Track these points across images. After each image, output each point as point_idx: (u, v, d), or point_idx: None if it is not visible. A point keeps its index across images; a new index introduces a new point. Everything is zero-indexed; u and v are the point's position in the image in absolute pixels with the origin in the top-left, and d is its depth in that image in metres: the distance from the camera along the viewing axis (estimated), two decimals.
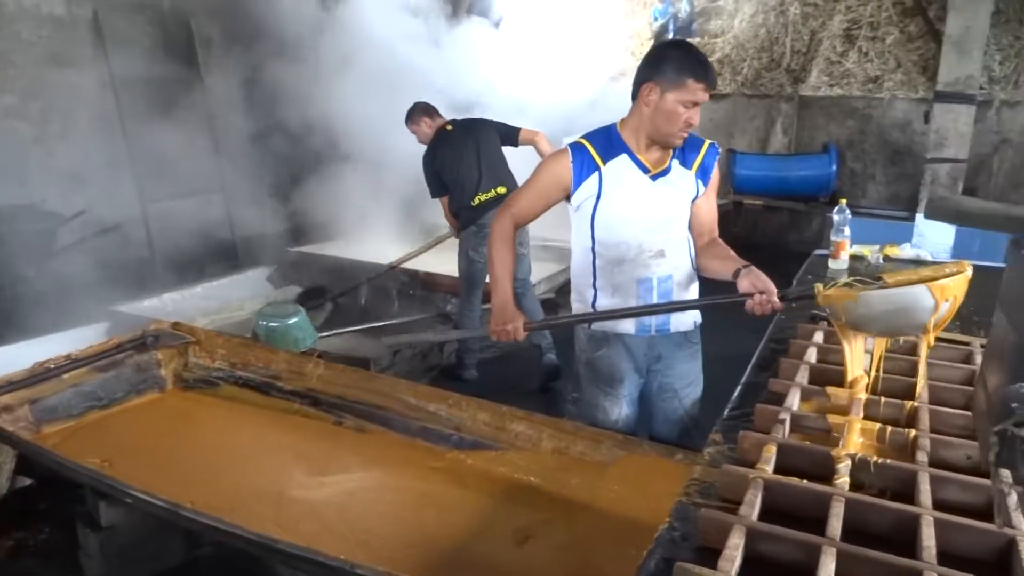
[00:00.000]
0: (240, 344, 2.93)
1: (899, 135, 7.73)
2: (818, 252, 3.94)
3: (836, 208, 3.66)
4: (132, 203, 5.95)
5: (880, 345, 1.98)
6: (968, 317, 2.90)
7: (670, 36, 9.94)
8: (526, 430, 2.31)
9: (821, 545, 1.29)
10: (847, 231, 3.58)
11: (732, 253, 2.27)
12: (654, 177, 2.17)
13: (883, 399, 1.93)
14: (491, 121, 4.39)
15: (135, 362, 2.81)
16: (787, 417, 1.81)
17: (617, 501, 2.06)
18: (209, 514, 1.87)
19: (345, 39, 6.09)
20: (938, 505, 1.46)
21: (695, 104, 2.03)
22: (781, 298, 2.01)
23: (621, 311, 2.20)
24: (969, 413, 1.88)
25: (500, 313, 2.17)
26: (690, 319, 2.35)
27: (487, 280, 4.10)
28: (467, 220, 4.25)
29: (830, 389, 1.99)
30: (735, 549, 1.29)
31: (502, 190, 4.22)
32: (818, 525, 1.43)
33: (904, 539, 1.39)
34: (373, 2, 6.05)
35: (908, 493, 1.55)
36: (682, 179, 2.21)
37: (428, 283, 4.94)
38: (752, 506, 1.42)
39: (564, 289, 5.58)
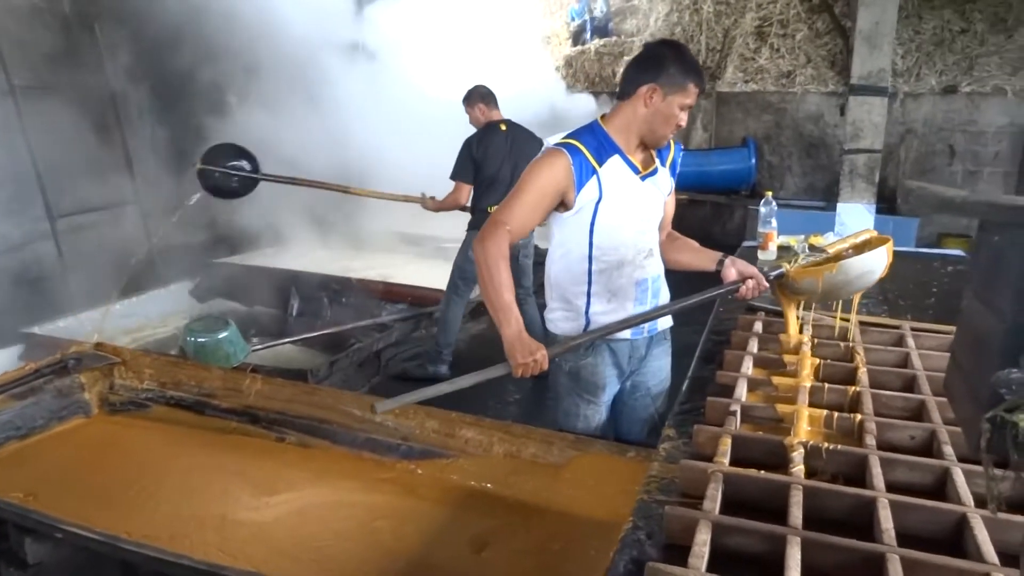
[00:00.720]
0: (169, 363, 2.80)
1: (813, 128, 8.03)
2: (747, 244, 4.03)
3: (763, 201, 3.76)
4: (39, 218, 5.63)
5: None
6: (894, 301, 3.02)
7: (587, 36, 10.08)
8: (476, 436, 2.27)
9: (786, 535, 1.30)
10: (774, 222, 3.69)
11: (698, 245, 2.34)
12: (643, 178, 2.14)
13: (827, 385, 1.98)
14: (539, 139, 4.38)
15: (56, 387, 2.64)
16: (738, 409, 1.83)
17: (573, 502, 2.05)
18: (148, 544, 1.77)
19: (263, 44, 5.93)
20: (889, 486, 1.50)
21: (688, 107, 2.04)
22: (764, 276, 2.12)
23: (640, 316, 2.15)
24: (908, 395, 1.95)
25: (519, 345, 1.91)
26: (670, 318, 2.36)
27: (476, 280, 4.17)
28: (478, 222, 4.24)
29: (776, 378, 2.03)
30: (703, 545, 1.29)
31: None
32: (779, 514, 1.45)
33: (862, 522, 1.42)
34: (293, 7, 5.91)
35: (860, 476, 1.59)
36: (663, 176, 2.22)
37: (362, 289, 4.85)
38: (714, 500, 1.43)
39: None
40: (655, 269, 2.25)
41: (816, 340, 2.34)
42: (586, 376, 2.28)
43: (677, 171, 2.28)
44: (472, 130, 4.40)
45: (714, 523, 1.34)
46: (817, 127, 7.98)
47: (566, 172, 2.02)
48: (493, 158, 4.22)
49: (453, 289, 4.46)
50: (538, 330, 4.82)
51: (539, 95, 7.40)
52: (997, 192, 7.17)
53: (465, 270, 4.41)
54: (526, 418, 3.68)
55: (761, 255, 3.65)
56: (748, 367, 2.13)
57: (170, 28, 5.73)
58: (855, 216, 5.04)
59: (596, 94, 9.22)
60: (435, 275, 5.18)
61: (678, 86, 1.99)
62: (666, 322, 2.37)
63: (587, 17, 10.26)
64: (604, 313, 2.19)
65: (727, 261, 2.17)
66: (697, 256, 2.27)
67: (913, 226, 6.53)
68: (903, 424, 1.77)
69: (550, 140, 2.13)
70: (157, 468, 2.39)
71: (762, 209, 3.70)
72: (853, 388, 1.97)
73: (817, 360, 2.17)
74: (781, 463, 1.63)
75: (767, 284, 2.13)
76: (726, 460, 1.59)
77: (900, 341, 2.38)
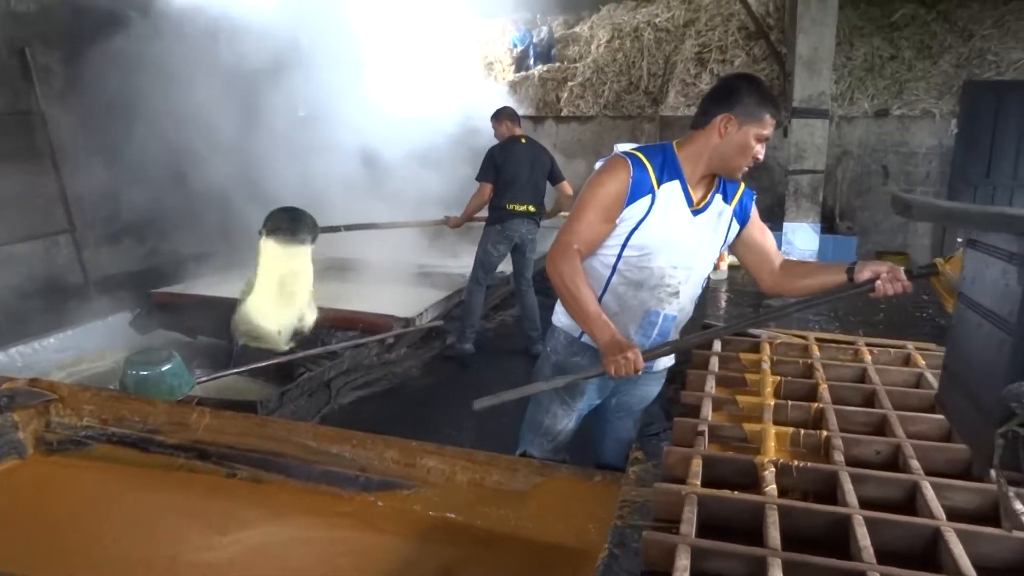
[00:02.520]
0: (111, 398, 2.66)
1: None
2: None
3: None
4: None
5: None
6: (845, 318, 3.08)
7: (531, 62, 10.19)
8: (438, 464, 2.21)
9: (766, 556, 1.28)
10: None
11: (820, 264, 2.32)
12: (695, 212, 2.08)
13: (790, 403, 1.99)
14: (550, 154, 5.24)
15: None
16: (705, 429, 1.82)
17: (539, 529, 2.00)
18: None
19: (201, 66, 5.81)
20: (861, 502, 1.50)
21: (766, 139, 2.00)
22: (907, 274, 1.94)
23: (752, 319, 2.23)
24: (870, 409, 1.97)
25: (614, 347, 1.92)
26: (671, 360, 2.31)
27: (496, 269, 5.16)
28: (496, 219, 5.00)
29: (740, 397, 2.03)
30: (684, 571, 1.26)
31: (532, 208, 5.01)
32: (755, 535, 1.44)
33: (837, 539, 1.42)
34: (231, 31, 5.81)
35: (830, 493, 1.59)
36: (720, 214, 2.12)
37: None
38: (691, 523, 1.40)
39: (452, 315, 5.52)
40: (673, 310, 2.14)
41: (776, 358, 2.36)
42: (570, 374, 2.19)
43: (749, 213, 2.18)
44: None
45: (693, 547, 1.31)
46: None
47: (625, 182, 1.99)
48: (514, 162, 4.95)
49: (474, 278, 5.12)
50: (535, 318, 4.95)
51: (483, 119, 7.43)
52: (1003, 204, 7.43)
53: (484, 262, 5.06)
54: (483, 443, 3.64)
55: (713, 275, 3.69)
56: (711, 386, 2.13)
57: (105, 51, 5.57)
58: (801, 235, 5.16)
59: (541, 119, 9.29)
60: (386, 301, 5.10)
61: (753, 116, 1.95)
62: (666, 361, 2.29)
63: (530, 43, 10.36)
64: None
65: (857, 265, 2.00)
66: (825, 273, 2.10)
67: (853, 244, 6.72)
68: (868, 439, 1.78)
69: (619, 147, 2.11)
70: (100, 510, 2.26)
71: None
72: (816, 405, 1.98)
73: (778, 377, 2.18)
74: (753, 482, 1.62)
75: (907, 281, 1.93)
76: (699, 481, 1.57)
77: (856, 356, 2.41)
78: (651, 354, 2.02)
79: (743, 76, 2.06)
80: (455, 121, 7.29)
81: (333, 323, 4.66)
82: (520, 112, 8.78)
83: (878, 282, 1.92)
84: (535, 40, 10.37)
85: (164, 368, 3.29)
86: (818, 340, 2.56)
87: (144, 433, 2.54)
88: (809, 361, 2.32)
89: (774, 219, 7.74)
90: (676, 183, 2.03)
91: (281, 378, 4.07)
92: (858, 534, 1.36)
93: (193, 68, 5.85)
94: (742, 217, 2.17)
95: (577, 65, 9.71)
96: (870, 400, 2.07)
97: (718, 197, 2.10)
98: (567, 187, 5.22)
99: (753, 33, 8.26)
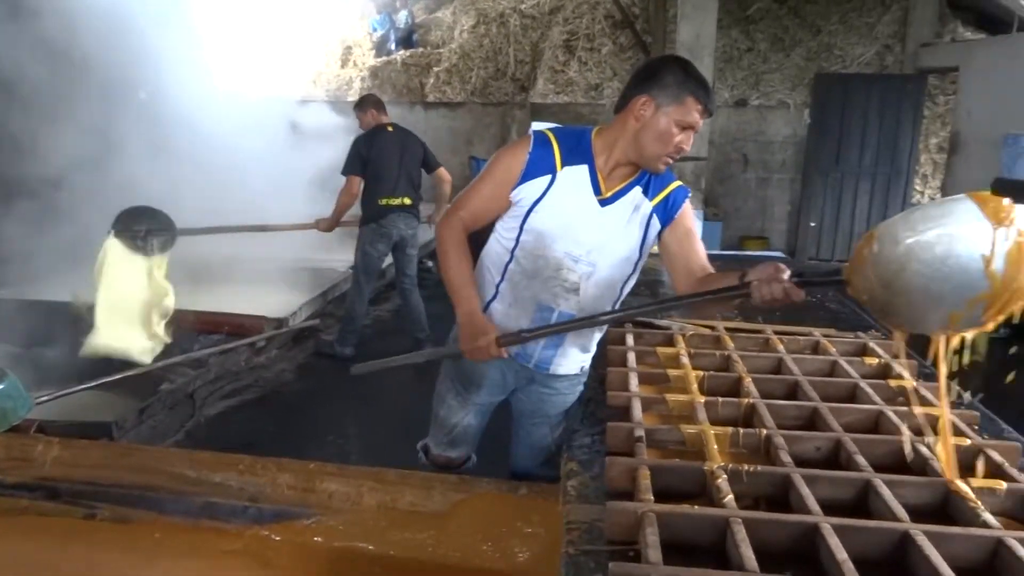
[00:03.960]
0: None
1: None
2: None
3: None
4: None
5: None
6: (742, 304, 3.06)
7: (392, 47, 9.88)
8: (341, 487, 1.97)
9: None
10: None
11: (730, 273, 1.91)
12: (603, 202, 1.90)
13: (720, 400, 1.90)
14: (421, 140, 4.92)
15: None
16: (643, 434, 1.69)
17: (463, 553, 1.81)
18: None
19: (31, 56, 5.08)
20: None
21: (690, 127, 1.80)
22: (799, 280, 1.58)
23: (610, 315, 1.97)
24: (799, 403, 1.92)
25: (468, 327, 1.85)
26: (578, 365, 2.12)
27: (379, 271, 4.94)
28: (370, 217, 4.67)
29: (669, 396, 1.92)
30: None
31: (408, 201, 4.70)
32: (719, 551, 1.33)
33: (805, 549, 1.32)
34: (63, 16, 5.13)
35: (782, 497, 1.50)
36: (635, 209, 1.93)
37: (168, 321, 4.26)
38: (656, 548, 1.26)
39: (326, 312, 5.19)
40: (570, 308, 1.96)
41: (692, 351, 2.28)
42: (466, 366, 2.11)
43: (676, 213, 1.95)
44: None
45: None
46: None
47: (521, 160, 1.88)
48: (381, 155, 4.63)
49: (355, 285, 4.84)
50: (420, 319, 4.68)
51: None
52: None
53: (365, 266, 4.77)
54: (372, 452, 3.39)
55: None
56: (635, 385, 2.01)
57: None
58: None
59: (409, 105, 9.01)
60: (254, 300, 4.71)
61: (674, 99, 1.77)
62: (569, 368, 2.11)
63: (390, 28, 10.04)
64: (502, 315, 2.01)
65: (752, 270, 1.68)
66: (724, 279, 1.82)
67: (718, 230, 6.94)
68: (808, 435, 1.72)
69: (536, 125, 1.97)
70: None
71: None
72: (745, 400, 1.90)
73: (700, 372, 2.09)
74: (703, 491, 1.51)
75: (793, 286, 1.57)
76: (651, 496, 1.43)
77: (768, 345, 2.38)
78: (509, 340, 1.87)
79: (669, 56, 1.93)
80: (317, 108, 6.89)
81: (195, 327, 4.22)
82: (383, 99, 8.49)
83: (754, 285, 1.62)
84: (396, 25, 10.07)
85: None
86: (728, 330, 2.51)
87: None
88: (726, 353, 2.25)
89: None
90: (583, 167, 1.89)
91: (139, 392, 3.62)
92: (831, 545, 1.26)
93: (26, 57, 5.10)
94: (664, 216, 1.95)
95: (441, 51, 9.51)
96: (794, 392, 2.02)
97: (636, 190, 1.93)
98: (444, 173, 4.93)
99: (619, 22, 8.36)
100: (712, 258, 3.67)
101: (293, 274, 5.41)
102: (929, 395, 1.96)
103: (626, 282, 2.04)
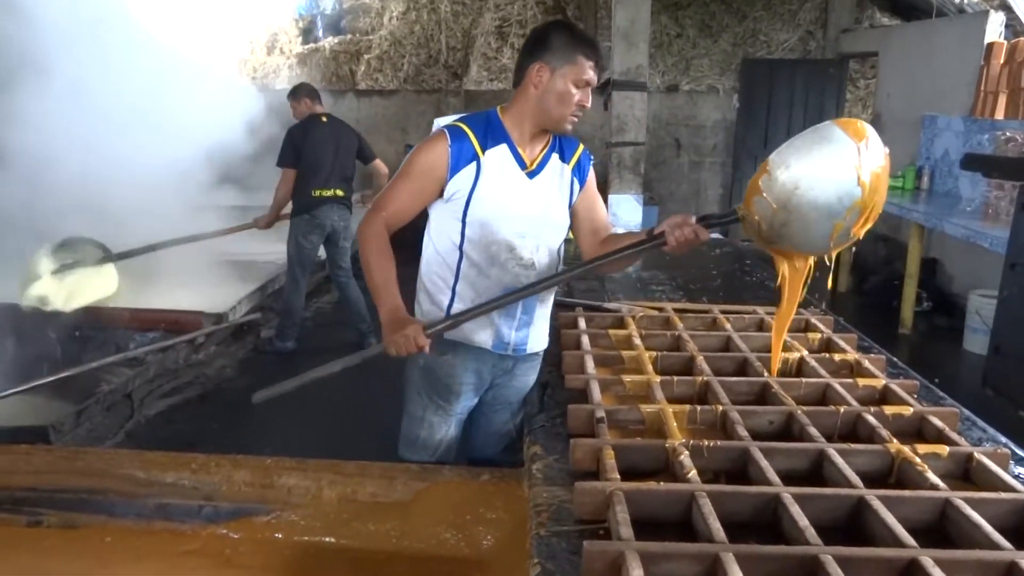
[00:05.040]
0: None
1: None
2: None
3: None
4: None
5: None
6: (686, 286, 3.14)
7: (319, 33, 9.67)
8: (300, 482, 1.93)
9: (718, 552, 1.19)
10: None
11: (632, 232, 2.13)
12: (531, 174, 1.95)
13: (675, 379, 1.95)
14: (356, 131, 4.88)
15: None
16: (604, 415, 1.72)
17: (428, 543, 1.81)
18: None
19: None
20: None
21: (586, 84, 1.86)
22: (703, 223, 1.72)
23: (520, 292, 1.90)
24: (750, 378, 1.98)
25: (391, 323, 1.81)
26: (546, 339, 2.14)
27: (314, 262, 4.84)
28: (302, 208, 4.60)
29: (625, 377, 1.96)
30: None
31: (340, 193, 4.67)
32: (684, 526, 1.37)
33: (766, 519, 1.37)
34: None
35: (740, 470, 1.55)
36: (559, 174, 2.01)
37: (101, 319, 4.10)
38: (627, 524, 1.28)
39: (266, 306, 5.08)
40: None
41: (643, 332, 2.32)
42: (441, 376, 2.07)
43: (587, 176, 2.06)
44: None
45: (641, 553, 1.19)
46: None
47: (443, 155, 1.89)
48: (315, 146, 4.55)
49: (291, 278, 4.75)
50: (362, 310, 4.59)
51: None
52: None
53: (299, 258, 4.68)
54: (328, 446, 3.35)
55: None
56: (592, 367, 2.04)
57: None
58: (625, 207, 5.30)
59: (341, 93, 8.84)
60: (191, 296, 4.57)
61: (567, 60, 1.84)
62: (540, 343, 2.13)
63: (317, 14, 9.83)
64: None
65: (658, 227, 1.81)
66: (632, 237, 1.96)
67: (655, 214, 7.05)
68: (761, 410, 1.77)
69: (439, 121, 1.96)
70: None
71: None
72: (700, 378, 1.95)
73: (653, 353, 2.14)
74: (666, 468, 1.55)
75: (701, 228, 1.71)
76: (617, 475, 1.46)
77: (716, 324, 2.44)
78: (435, 328, 1.86)
79: (553, 22, 2.01)
80: (244, 99, 6.68)
81: (130, 324, 4.09)
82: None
83: (667, 231, 1.74)
84: (322, 10, 9.86)
85: None
86: (676, 311, 2.57)
87: None
88: (676, 333, 2.31)
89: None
90: (503, 146, 1.94)
91: (73, 394, 3.48)
92: (792, 513, 1.31)
93: None
94: (580, 178, 2.07)
95: (371, 37, 9.35)
96: (743, 368, 2.09)
97: (554, 156, 2.01)
98: (380, 165, 4.91)
99: (551, 7, 8.37)
100: None
101: (229, 268, 5.28)
102: (871, 367, 2.05)
103: (560, 246, 2.10)
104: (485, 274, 1.96)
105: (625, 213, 5.24)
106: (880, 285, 6.14)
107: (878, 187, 1.54)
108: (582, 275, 2.09)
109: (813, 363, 2.07)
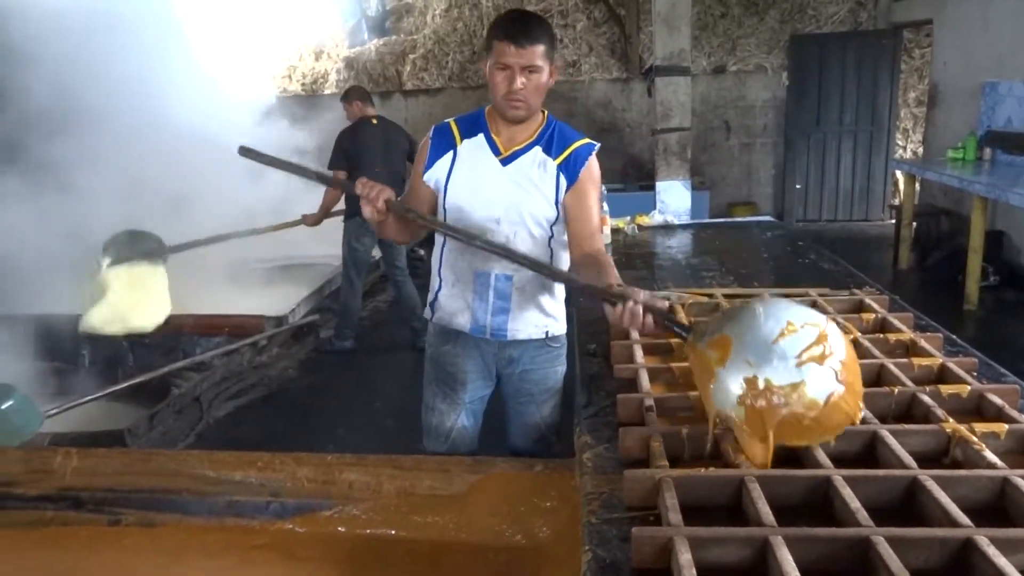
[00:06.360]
0: None
1: (603, 113, 8.34)
2: None
3: None
4: None
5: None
6: (736, 271, 3.11)
7: (364, 36, 9.80)
8: (360, 477, 2.00)
9: (767, 536, 1.20)
10: (605, 207, 3.69)
11: (612, 270, 1.89)
12: (504, 161, 2.03)
13: None
14: (406, 132, 5.00)
15: None
16: (652, 403, 1.73)
17: (484, 533, 1.85)
18: None
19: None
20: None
21: (508, 67, 1.88)
22: (661, 317, 1.69)
23: (473, 237, 1.90)
24: None
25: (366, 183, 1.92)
26: (540, 329, 2.13)
27: (368, 263, 4.95)
28: (354, 210, 4.54)
29: (674, 364, 1.97)
30: (689, 567, 1.15)
31: None
32: (734, 510, 1.37)
33: (817, 502, 1.37)
34: None
35: (790, 455, 1.54)
36: (539, 166, 2.03)
37: (167, 327, 4.27)
38: (676, 510, 1.30)
39: (324, 307, 5.21)
40: (504, 268, 2.03)
41: (692, 320, 2.32)
42: (446, 366, 2.19)
43: (578, 175, 2.02)
44: None
45: (690, 538, 1.21)
46: (607, 112, 8.30)
47: (424, 151, 2.08)
48: (365, 148, 4.64)
49: (347, 280, 4.85)
50: (416, 307, 4.69)
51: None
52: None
53: (353, 260, 4.77)
54: (383, 442, 3.44)
55: None
56: (640, 356, 2.05)
57: None
58: (673, 193, 5.25)
59: (388, 94, 8.97)
60: (252, 300, 4.73)
61: (489, 49, 1.93)
62: (531, 332, 2.12)
63: (361, 16, 9.96)
64: (448, 297, 2.13)
65: (619, 288, 1.76)
66: (601, 271, 1.88)
67: (706, 199, 6.97)
68: None
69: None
70: None
71: None
72: None
73: None
74: (716, 454, 1.55)
75: (650, 325, 1.69)
76: (666, 462, 1.47)
77: None
78: (398, 207, 1.89)
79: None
80: (298, 102, 6.85)
81: (195, 330, 4.25)
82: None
83: (618, 306, 1.69)
84: (367, 13, 9.99)
85: (5, 406, 2.84)
86: (726, 296, 2.56)
87: None
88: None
89: (626, 180, 7.92)
90: (480, 136, 2.05)
91: (146, 399, 3.65)
92: (844, 495, 1.31)
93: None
94: (568, 174, 2.04)
95: (416, 37, 9.44)
96: None
97: (536, 150, 2.04)
98: None
99: None
100: (703, 227, 3.68)
101: (288, 271, 5.43)
102: (928, 346, 2.01)
103: (552, 240, 2.10)
104: (461, 257, 2.08)
105: (674, 200, 5.19)
106: (943, 260, 5.95)
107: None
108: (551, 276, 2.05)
109: (867, 344, 2.04)
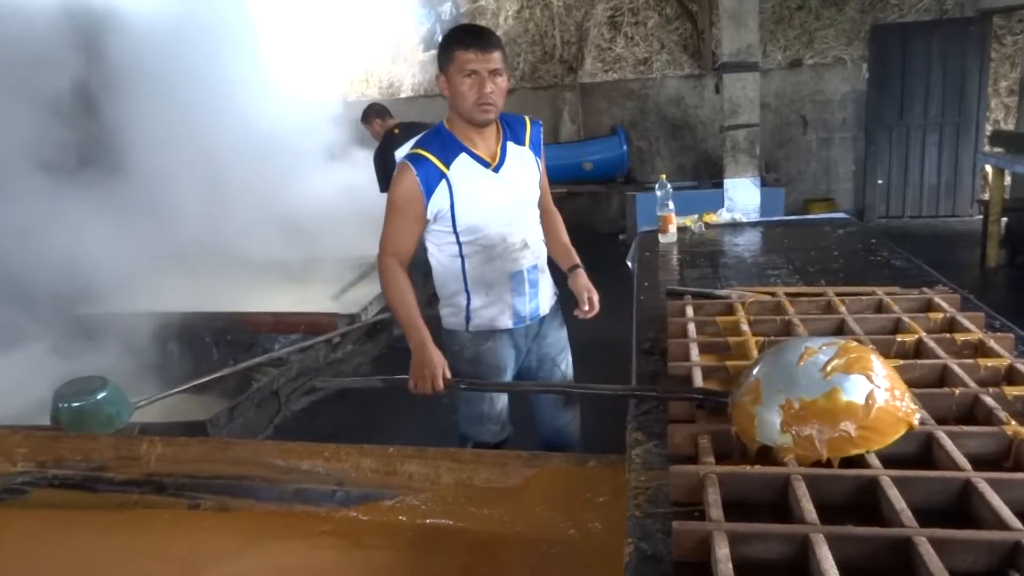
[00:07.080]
0: (47, 438, 2.42)
1: (675, 111, 8.25)
2: (645, 229, 4.01)
3: (657, 184, 3.75)
4: None
5: None
6: (803, 269, 3.06)
7: (439, 39, 9.97)
8: (421, 469, 2.08)
9: (808, 534, 1.21)
10: (671, 205, 3.68)
11: (565, 239, 2.44)
12: (496, 169, 2.15)
13: None
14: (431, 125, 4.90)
15: None
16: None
17: (540, 525, 1.90)
18: None
19: None
20: (879, 460, 1.44)
21: (475, 73, 1.98)
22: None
23: (535, 384, 2.45)
24: None
25: (417, 361, 2.11)
26: (553, 296, 2.44)
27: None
28: None
29: (728, 363, 1.97)
30: (726, 561, 1.17)
31: None
32: (782, 509, 1.38)
33: (864, 502, 1.36)
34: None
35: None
36: (520, 157, 2.20)
37: (248, 324, 4.49)
38: (718, 506, 1.32)
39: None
40: (530, 260, 2.27)
41: (752, 318, 2.31)
42: (488, 360, 2.33)
43: (541, 148, 2.26)
44: None
45: (729, 533, 1.23)
46: (679, 109, 8.21)
47: (414, 185, 2.07)
48: (394, 160, 4.52)
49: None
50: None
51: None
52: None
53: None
54: (448, 437, 3.52)
55: (662, 239, 3.64)
56: (696, 355, 2.06)
57: None
58: (742, 190, 5.17)
59: None
60: (326, 298, 4.90)
61: (448, 59, 2.02)
62: (550, 301, 2.42)
63: (436, 20, 10.14)
64: (485, 307, 2.25)
65: (572, 273, 2.34)
66: (557, 251, 2.41)
67: (781, 195, 6.81)
68: None
69: (399, 152, 2.17)
70: (45, 561, 2.05)
71: (658, 192, 3.69)
72: None
73: (760, 338, 2.12)
74: (766, 452, 1.55)
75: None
76: (712, 459, 1.49)
77: (830, 307, 2.38)
78: (454, 383, 2.14)
79: (447, 32, 2.12)
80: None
81: (273, 327, 4.44)
82: (437, 92, 8.62)
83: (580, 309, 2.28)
84: (440, 16, 10.17)
85: (99, 396, 3.05)
86: (788, 295, 2.52)
87: (89, 472, 2.32)
88: (786, 318, 2.27)
89: (699, 177, 7.82)
90: (462, 155, 2.10)
91: (227, 393, 3.85)
92: (890, 496, 1.30)
93: None
94: (537, 151, 2.26)
95: None
96: None
97: (510, 145, 2.17)
98: None
99: None
100: (773, 225, 3.64)
101: (360, 270, 5.59)
102: (996, 346, 1.95)
103: (537, 213, 2.37)
104: (491, 267, 2.19)
105: (743, 197, 5.10)
106: None
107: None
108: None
109: (932, 344, 1.99)
